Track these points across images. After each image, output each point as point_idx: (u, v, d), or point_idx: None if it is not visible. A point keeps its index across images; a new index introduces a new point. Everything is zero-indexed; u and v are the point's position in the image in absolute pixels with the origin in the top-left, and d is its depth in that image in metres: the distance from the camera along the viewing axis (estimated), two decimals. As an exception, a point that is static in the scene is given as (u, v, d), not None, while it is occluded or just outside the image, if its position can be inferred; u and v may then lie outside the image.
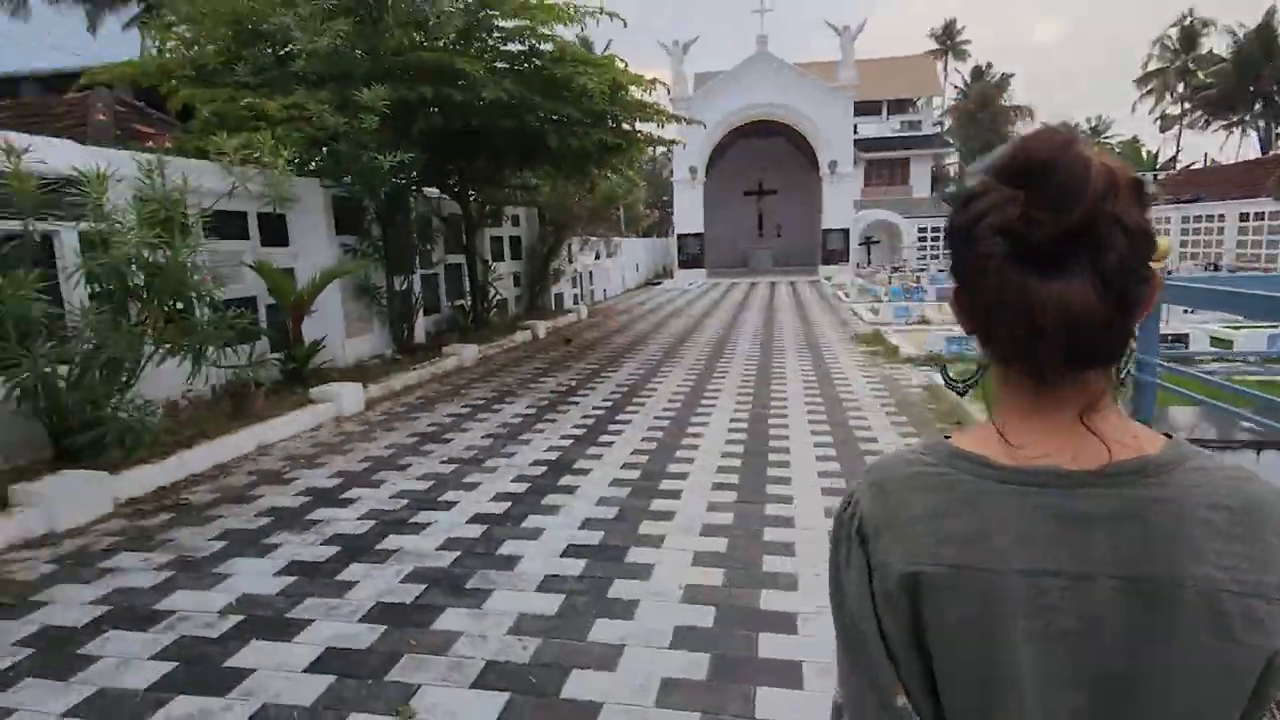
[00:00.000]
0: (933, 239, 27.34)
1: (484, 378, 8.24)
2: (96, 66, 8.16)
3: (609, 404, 6.71)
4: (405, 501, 4.22)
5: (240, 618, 2.89)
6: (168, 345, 4.33)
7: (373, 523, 3.89)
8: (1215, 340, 8.76)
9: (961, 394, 5.96)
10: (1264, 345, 8.07)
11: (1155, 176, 26.26)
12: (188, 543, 3.63)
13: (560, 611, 2.89)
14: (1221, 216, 19.98)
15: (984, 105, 37.27)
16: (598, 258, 18.89)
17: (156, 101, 12.12)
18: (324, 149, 6.89)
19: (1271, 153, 30.07)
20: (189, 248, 4.49)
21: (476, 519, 3.94)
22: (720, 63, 32.38)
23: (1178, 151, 38.81)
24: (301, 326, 6.85)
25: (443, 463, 4.99)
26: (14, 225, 4.26)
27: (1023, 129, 10.70)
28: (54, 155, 4.57)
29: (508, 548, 3.53)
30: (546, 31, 8.54)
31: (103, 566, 3.35)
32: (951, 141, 38.82)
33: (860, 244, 26.79)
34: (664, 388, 7.41)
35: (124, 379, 4.08)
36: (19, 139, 4.17)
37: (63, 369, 4.08)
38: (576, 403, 6.79)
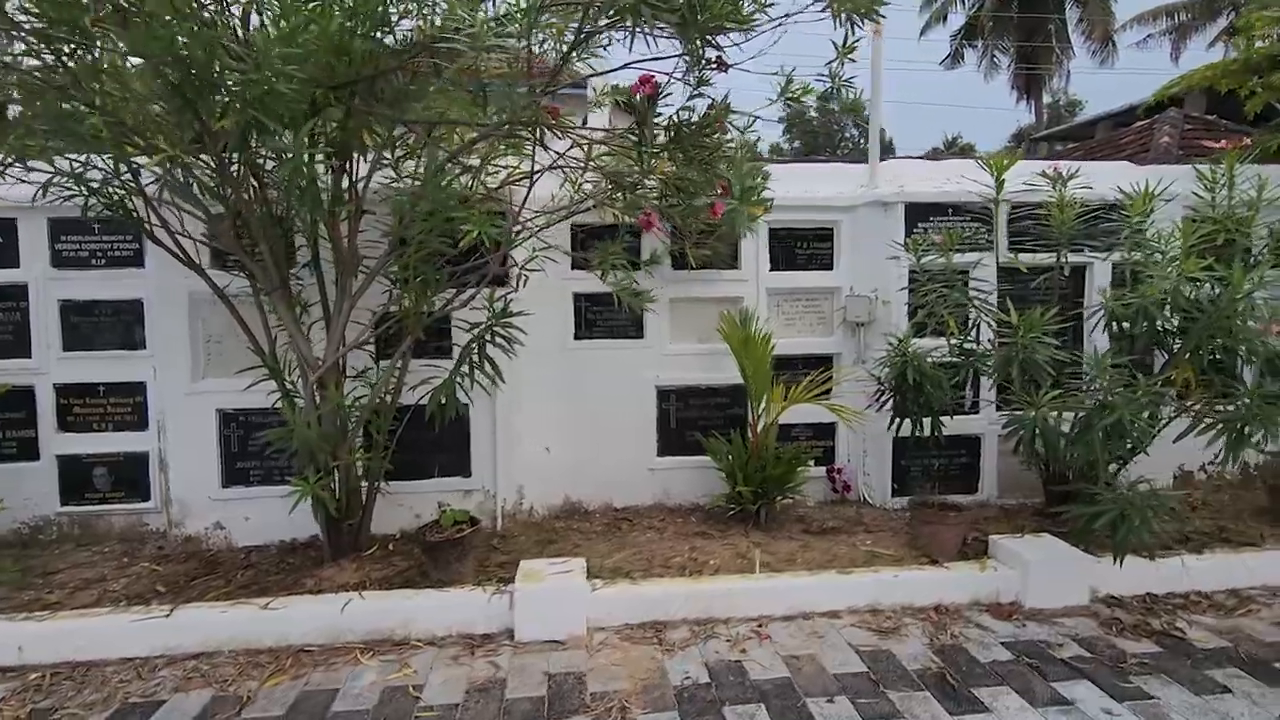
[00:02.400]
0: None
1: None
2: (1169, 81, 7.42)
3: None
4: None
5: None
6: (1194, 413, 3.20)
7: None
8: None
9: None
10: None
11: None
12: (1170, 709, 2.50)
13: None
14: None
15: None
16: None
17: (1233, 112, 10.51)
18: None
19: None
20: (1252, 282, 3.17)
21: None
22: None
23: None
24: None
25: None
26: (1048, 258, 4.02)
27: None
28: (1100, 178, 4.07)
29: None
30: None
31: (1057, 689, 2.64)
32: None
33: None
34: None
35: (1129, 447, 3.22)
36: (1068, 165, 3.84)
37: (1069, 416, 3.62)
38: None
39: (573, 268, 4.35)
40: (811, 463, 4.54)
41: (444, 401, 3.12)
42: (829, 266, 4.56)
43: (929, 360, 3.58)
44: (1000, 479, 4.45)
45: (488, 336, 3.13)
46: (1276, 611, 3.24)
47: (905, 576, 3.35)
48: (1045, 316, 3.06)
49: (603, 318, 4.44)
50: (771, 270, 4.52)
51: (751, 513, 3.98)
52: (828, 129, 47.68)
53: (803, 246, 4.55)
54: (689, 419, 4.51)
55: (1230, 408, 2.96)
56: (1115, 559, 3.03)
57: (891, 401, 3.77)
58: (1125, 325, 3.20)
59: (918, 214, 4.33)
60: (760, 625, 3.17)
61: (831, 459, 4.61)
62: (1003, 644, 2.98)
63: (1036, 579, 3.30)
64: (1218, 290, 3.14)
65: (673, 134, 2.46)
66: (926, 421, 3.76)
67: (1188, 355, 3.13)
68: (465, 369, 3.19)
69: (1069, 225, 3.81)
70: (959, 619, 3.20)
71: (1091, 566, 3.35)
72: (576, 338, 4.41)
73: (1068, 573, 3.33)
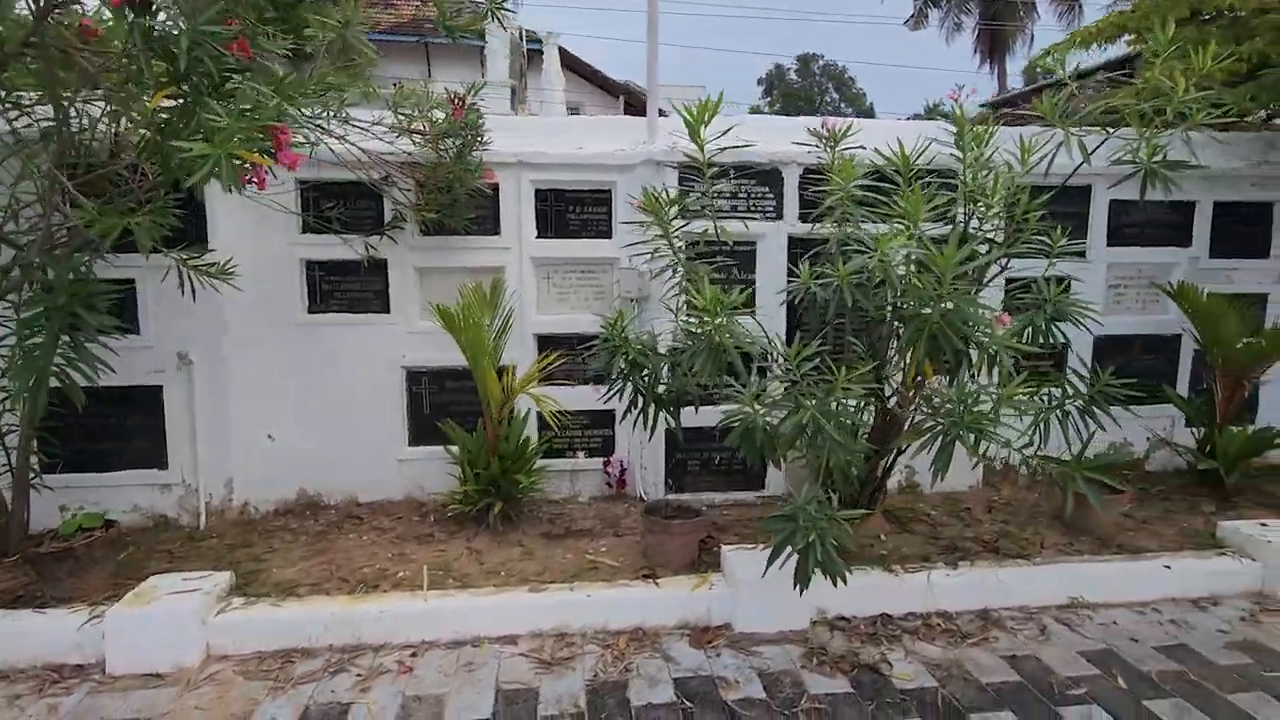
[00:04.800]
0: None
1: None
2: (1054, 43, 6.87)
3: None
4: None
5: None
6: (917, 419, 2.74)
7: None
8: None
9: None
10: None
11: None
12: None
13: None
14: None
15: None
16: None
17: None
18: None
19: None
20: (976, 259, 2.69)
21: None
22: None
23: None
24: (1240, 396, 3.88)
25: None
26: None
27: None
28: (879, 138, 3.54)
29: None
30: None
31: (685, 746, 2.22)
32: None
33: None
34: None
35: (848, 463, 2.76)
36: (840, 122, 3.31)
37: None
38: None
39: (303, 230, 3.80)
40: (581, 454, 4.11)
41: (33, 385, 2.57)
42: (607, 234, 4.03)
43: (650, 344, 3.08)
44: (791, 475, 4.01)
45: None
46: (1018, 640, 2.83)
47: (602, 595, 2.91)
48: (737, 295, 2.56)
49: (341, 289, 3.90)
50: (539, 237, 3.98)
51: (474, 513, 3.51)
52: (807, 92, 46.54)
53: (576, 211, 4.01)
54: (445, 404, 4.01)
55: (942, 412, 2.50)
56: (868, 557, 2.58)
57: (623, 390, 3.28)
58: (823, 308, 2.72)
59: (697, 175, 3.79)
60: (415, 654, 2.72)
61: (611, 449, 4.15)
62: (675, 680, 2.55)
63: (750, 598, 2.88)
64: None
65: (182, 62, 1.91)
66: (670, 414, 3.28)
67: (909, 347, 2.66)
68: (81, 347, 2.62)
69: (844, 191, 3.29)
70: (649, 646, 2.77)
71: (822, 583, 2.92)
72: (311, 310, 3.87)
73: (790, 591, 2.89)
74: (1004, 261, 2.87)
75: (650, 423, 3.27)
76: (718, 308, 2.49)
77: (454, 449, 3.69)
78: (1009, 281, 3.62)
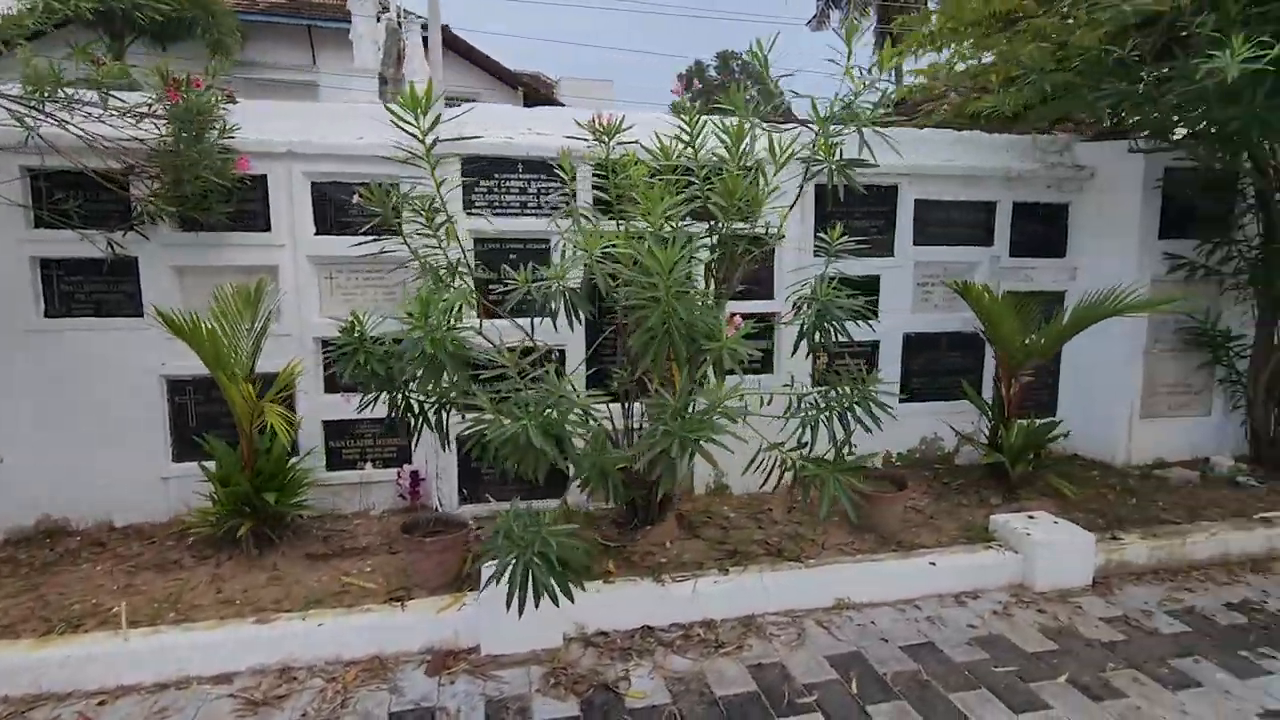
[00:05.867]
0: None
1: None
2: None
3: None
4: None
5: None
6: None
7: None
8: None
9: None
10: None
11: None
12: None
13: None
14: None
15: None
16: None
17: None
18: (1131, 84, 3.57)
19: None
20: (687, 257, 2.59)
21: None
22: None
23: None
24: (1015, 393, 4.01)
25: None
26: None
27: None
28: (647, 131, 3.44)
29: None
30: None
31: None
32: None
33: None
34: None
35: (600, 475, 2.64)
36: (616, 115, 3.19)
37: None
38: None
39: (35, 225, 3.39)
40: (371, 465, 3.87)
41: None
42: (396, 231, 3.78)
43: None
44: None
45: None
46: (772, 647, 2.78)
47: (335, 624, 2.68)
48: (456, 302, 2.39)
49: (86, 291, 3.51)
50: (319, 234, 3.70)
51: (222, 535, 3.21)
52: (725, 88, 47.00)
53: (359, 206, 3.74)
54: (215, 415, 3.67)
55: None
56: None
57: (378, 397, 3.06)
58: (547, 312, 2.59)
59: (483, 170, 3.60)
60: (104, 702, 2.42)
61: (408, 458, 3.92)
62: (391, 715, 2.36)
63: (499, 618, 2.69)
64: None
65: None
66: (428, 421, 3.08)
67: (644, 352, 2.56)
68: None
69: (623, 186, 3.16)
70: (380, 677, 2.57)
71: (583, 598, 2.79)
72: (48, 315, 3.46)
73: (543, 608, 2.74)
74: (747, 260, 2.81)
75: (414, 431, 3.07)
76: (426, 314, 2.30)
77: (211, 465, 3.38)
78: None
